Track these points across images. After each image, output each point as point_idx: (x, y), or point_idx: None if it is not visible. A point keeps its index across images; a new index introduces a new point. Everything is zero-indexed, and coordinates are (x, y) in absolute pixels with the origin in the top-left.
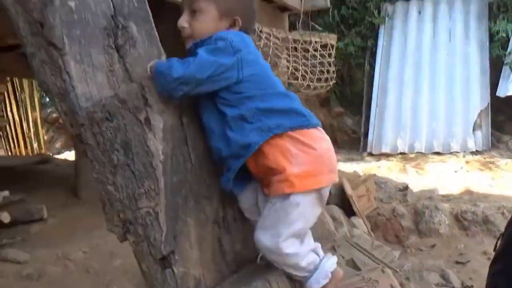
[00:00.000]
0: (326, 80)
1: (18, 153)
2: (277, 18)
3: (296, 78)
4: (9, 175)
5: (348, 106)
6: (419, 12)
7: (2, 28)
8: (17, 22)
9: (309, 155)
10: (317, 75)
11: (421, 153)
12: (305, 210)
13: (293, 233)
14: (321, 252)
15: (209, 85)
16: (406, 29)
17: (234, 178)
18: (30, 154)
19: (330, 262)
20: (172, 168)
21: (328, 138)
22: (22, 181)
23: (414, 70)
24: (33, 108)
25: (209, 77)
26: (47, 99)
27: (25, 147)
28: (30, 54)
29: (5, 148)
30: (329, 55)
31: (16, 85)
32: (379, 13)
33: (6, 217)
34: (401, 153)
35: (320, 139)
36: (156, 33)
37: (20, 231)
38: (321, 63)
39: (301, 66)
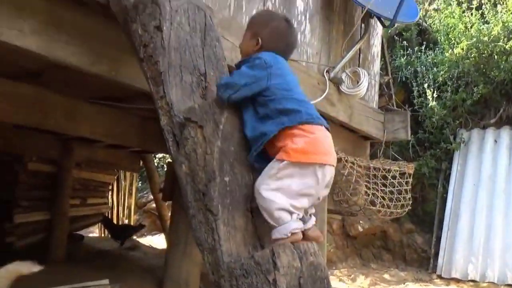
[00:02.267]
0: (402, 206)
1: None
2: (360, 146)
3: (374, 205)
4: (105, 260)
5: (419, 224)
6: (495, 141)
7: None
8: (186, 189)
9: (307, 137)
10: (394, 201)
11: (493, 283)
12: (292, 176)
13: (275, 187)
14: (294, 216)
15: (246, 90)
16: (482, 156)
17: (260, 159)
18: None
19: (295, 225)
20: None
21: (328, 134)
22: (115, 268)
23: (488, 198)
24: (130, 195)
25: (245, 84)
26: (139, 184)
27: None
28: (191, 215)
29: (99, 229)
30: (406, 183)
31: (120, 175)
32: (454, 138)
33: None
34: (472, 281)
35: (319, 131)
36: None
37: None
38: (399, 191)
39: (380, 193)
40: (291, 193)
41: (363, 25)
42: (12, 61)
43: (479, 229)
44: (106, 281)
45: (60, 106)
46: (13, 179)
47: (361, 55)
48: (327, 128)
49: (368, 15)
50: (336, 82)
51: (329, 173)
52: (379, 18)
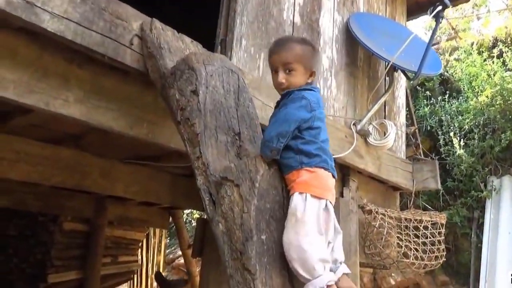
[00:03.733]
0: (436, 258)
1: None
2: (390, 196)
3: (408, 257)
4: None
5: (453, 276)
6: None
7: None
8: (223, 248)
9: (311, 173)
10: (428, 253)
11: None
12: (314, 211)
13: (307, 231)
14: (327, 268)
15: (294, 129)
16: None
17: None
18: None
19: (329, 277)
20: None
21: (332, 178)
22: None
23: None
24: (159, 251)
25: (294, 129)
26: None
27: (146, 287)
28: (229, 276)
29: (129, 286)
30: (439, 233)
31: (150, 232)
32: (485, 186)
33: None
34: None
35: (326, 174)
36: None
37: None
38: (432, 242)
39: (412, 244)
40: (319, 231)
41: (387, 78)
42: (55, 126)
43: None
44: None
45: (96, 167)
46: (49, 239)
47: (386, 107)
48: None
49: (393, 69)
50: (363, 135)
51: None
52: (403, 72)
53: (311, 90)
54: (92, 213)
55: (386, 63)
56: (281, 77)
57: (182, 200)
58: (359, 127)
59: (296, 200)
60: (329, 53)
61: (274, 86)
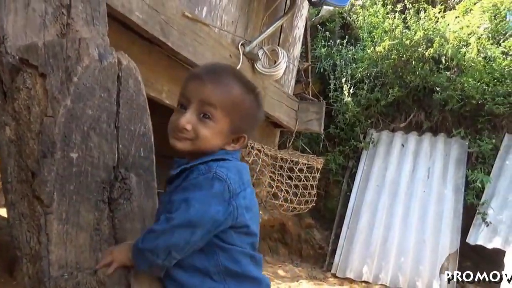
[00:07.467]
0: (306, 202)
1: None
2: (269, 133)
3: (277, 198)
4: None
5: (319, 220)
6: (402, 145)
7: None
8: (6, 163)
9: None
10: (299, 197)
11: (385, 286)
12: None
13: None
14: None
15: (200, 243)
16: (388, 158)
17: None
18: None
19: None
20: None
21: None
22: None
23: (389, 200)
24: None
25: (202, 238)
26: None
27: None
28: (10, 203)
29: None
30: (313, 178)
31: None
32: (364, 137)
33: None
34: (365, 282)
35: None
36: (155, 184)
37: None
38: (304, 186)
39: (284, 186)
40: None
41: (288, 1)
42: None
43: (378, 231)
44: None
45: None
46: None
47: (282, 34)
48: None
49: None
50: (251, 58)
51: None
52: None
53: (225, 160)
54: None
55: None
56: (187, 119)
57: None
58: (247, 48)
59: None
60: None
61: (168, 130)
